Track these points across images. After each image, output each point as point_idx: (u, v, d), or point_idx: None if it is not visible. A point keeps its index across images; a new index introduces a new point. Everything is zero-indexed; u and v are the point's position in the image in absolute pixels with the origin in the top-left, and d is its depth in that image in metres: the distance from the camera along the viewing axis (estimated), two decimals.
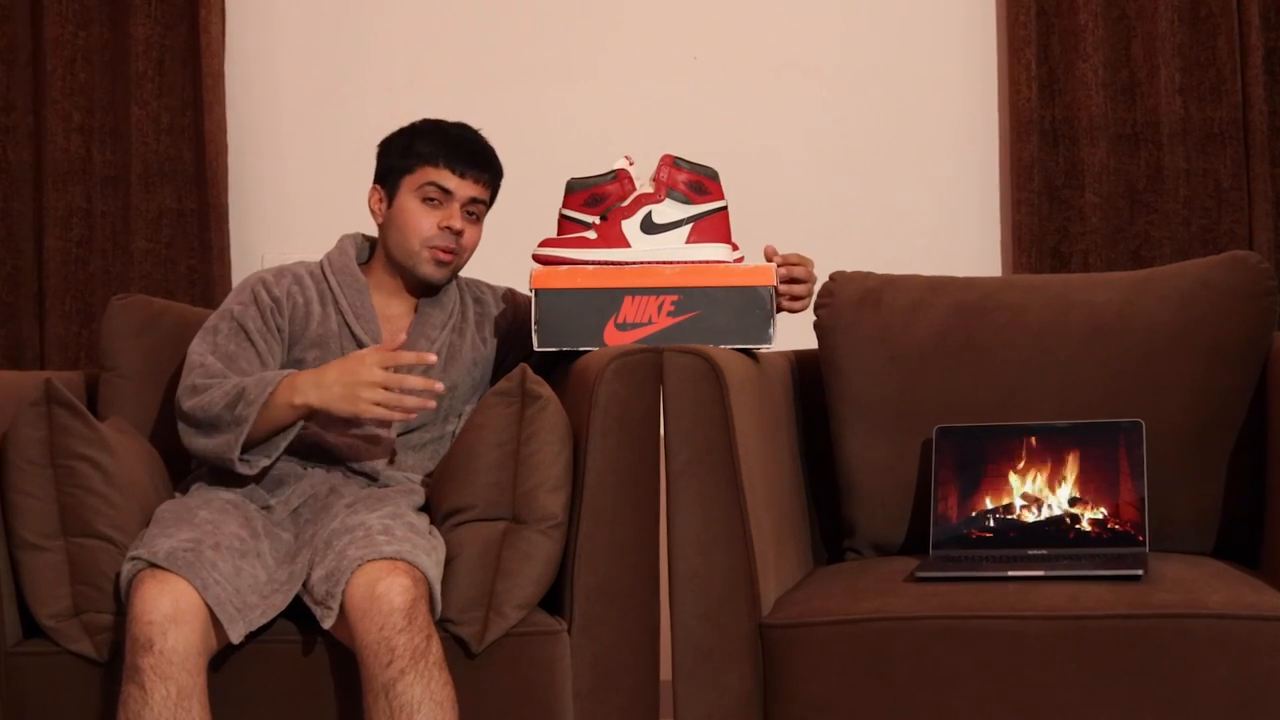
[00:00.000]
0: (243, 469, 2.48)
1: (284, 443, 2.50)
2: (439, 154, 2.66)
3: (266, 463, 2.50)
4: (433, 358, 2.42)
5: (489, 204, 2.72)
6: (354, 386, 2.43)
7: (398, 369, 2.44)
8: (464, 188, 2.66)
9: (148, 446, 2.66)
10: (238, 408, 2.45)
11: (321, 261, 2.73)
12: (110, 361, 2.85)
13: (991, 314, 2.78)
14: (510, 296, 2.81)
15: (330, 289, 2.68)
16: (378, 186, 2.71)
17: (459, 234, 2.66)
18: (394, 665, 2.21)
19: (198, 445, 2.51)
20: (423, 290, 2.72)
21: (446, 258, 2.66)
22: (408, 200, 2.67)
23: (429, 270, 2.67)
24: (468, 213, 2.68)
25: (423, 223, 2.65)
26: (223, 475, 2.55)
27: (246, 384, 2.48)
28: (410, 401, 2.42)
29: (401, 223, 2.67)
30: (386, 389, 2.42)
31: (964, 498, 2.61)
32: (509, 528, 2.38)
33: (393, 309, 2.71)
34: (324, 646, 2.34)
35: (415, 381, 2.42)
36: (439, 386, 2.42)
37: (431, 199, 2.65)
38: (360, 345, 2.63)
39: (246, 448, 2.47)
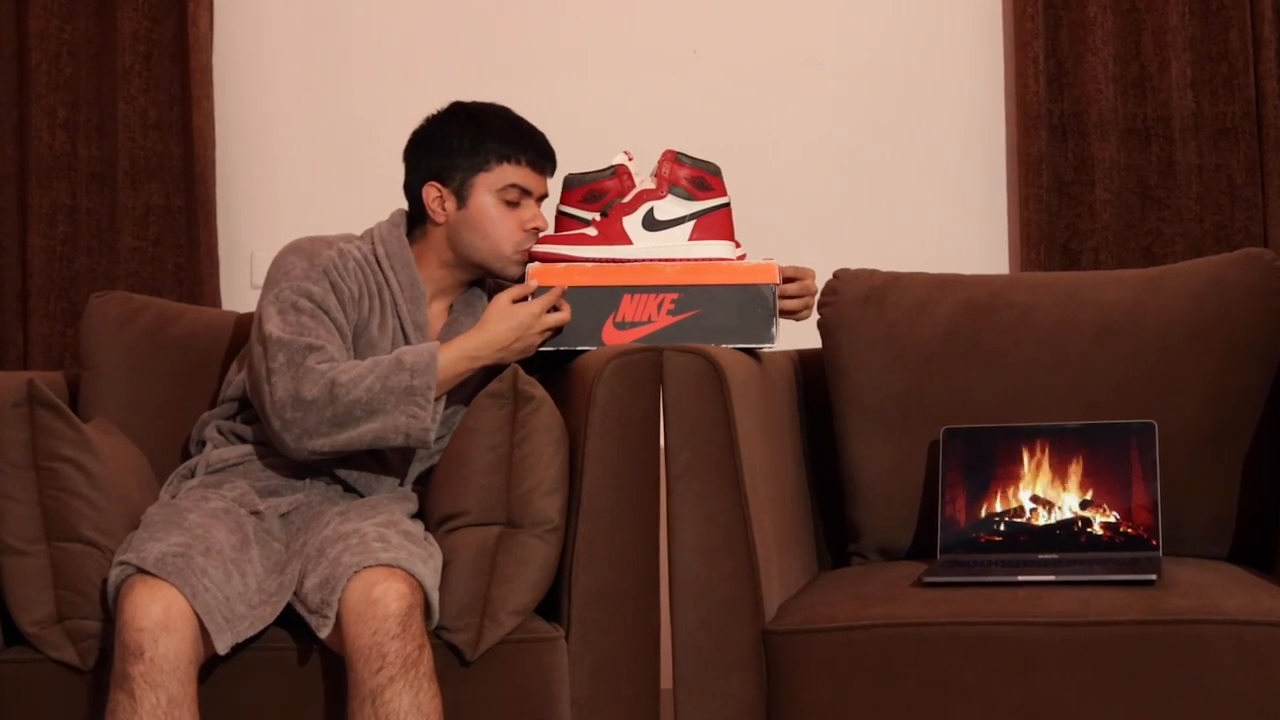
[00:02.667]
0: (430, 438, 2.47)
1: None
2: (520, 153, 2.61)
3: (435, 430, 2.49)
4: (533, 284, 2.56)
5: None
6: (528, 333, 2.54)
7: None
8: (541, 185, 2.65)
9: (133, 447, 2.65)
10: (397, 378, 2.43)
11: (375, 250, 2.63)
12: (90, 360, 2.84)
13: (1000, 312, 2.77)
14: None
15: (389, 287, 2.60)
16: (436, 184, 2.62)
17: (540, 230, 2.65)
18: (384, 672, 2.19)
19: (341, 438, 2.43)
20: (462, 290, 2.69)
21: (529, 257, 2.64)
22: (486, 200, 2.60)
23: (516, 271, 2.63)
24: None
25: (509, 225, 2.61)
26: (212, 477, 2.53)
27: (399, 354, 2.47)
28: (562, 314, 2.56)
29: (485, 227, 2.61)
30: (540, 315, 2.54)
31: (972, 501, 2.60)
32: (504, 532, 2.37)
33: (432, 309, 2.67)
34: (318, 655, 2.33)
35: (546, 301, 2.56)
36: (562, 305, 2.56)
37: (512, 201, 2.61)
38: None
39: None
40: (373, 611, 2.21)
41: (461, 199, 2.61)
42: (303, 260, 2.55)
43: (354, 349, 2.57)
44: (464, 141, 2.61)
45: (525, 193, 2.61)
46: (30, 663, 2.34)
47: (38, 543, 2.33)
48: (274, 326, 2.48)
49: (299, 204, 3.57)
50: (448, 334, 2.63)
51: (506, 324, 2.54)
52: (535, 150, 2.63)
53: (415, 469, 2.62)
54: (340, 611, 2.24)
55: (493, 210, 2.60)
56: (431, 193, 2.62)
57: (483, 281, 2.71)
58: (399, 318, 2.60)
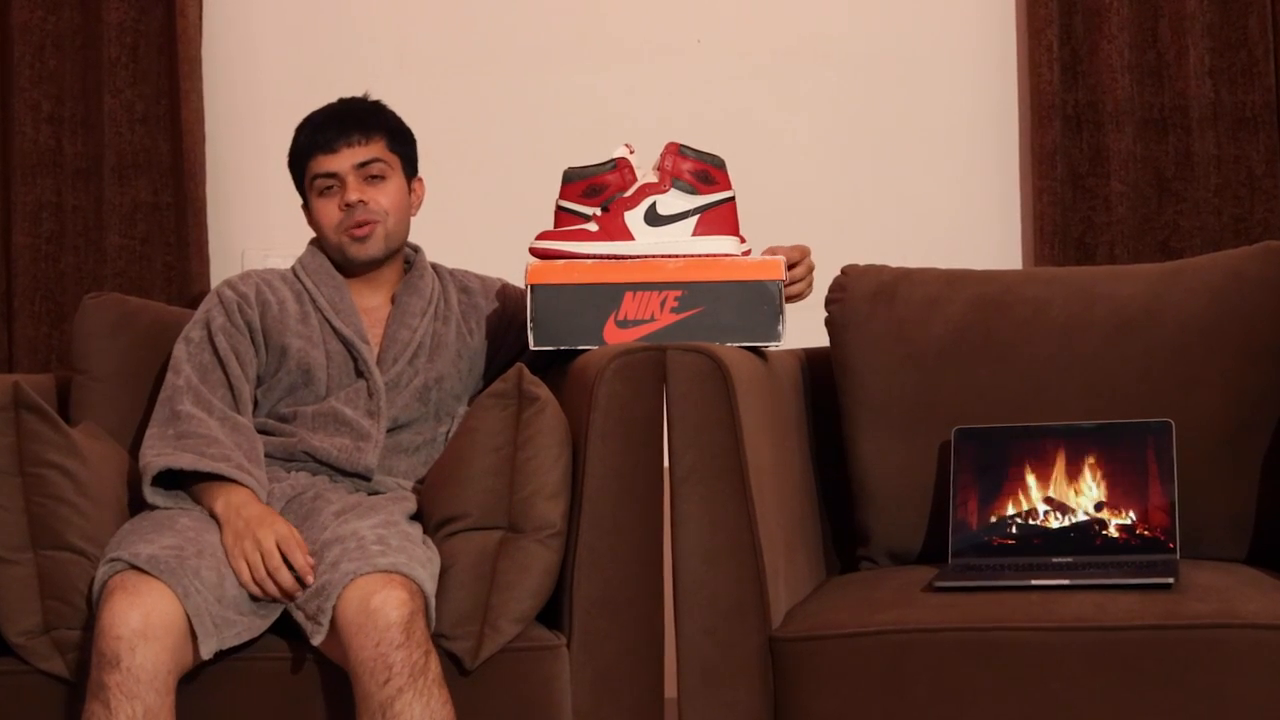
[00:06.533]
0: (148, 494, 2.46)
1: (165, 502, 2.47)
2: (308, 144, 2.72)
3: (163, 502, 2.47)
4: (309, 580, 2.32)
5: (397, 157, 2.74)
6: (245, 537, 2.35)
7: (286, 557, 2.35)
8: (342, 159, 2.70)
9: (121, 453, 2.66)
10: (151, 451, 2.48)
11: (294, 266, 2.77)
12: (82, 363, 2.85)
13: (1012, 309, 2.77)
14: (503, 292, 2.80)
15: (306, 289, 2.71)
16: (302, 200, 2.79)
17: (363, 204, 2.69)
18: (391, 683, 2.20)
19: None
20: (395, 276, 2.77)
21: (362, 231, 2.69)
22: (312, 200, 2.74)
23: (355, 250, 2.70)
24: (367, 178, 2.70)
25: (327, 214, 2.71)
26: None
27: (156, 462, 2.46)
28: (269, 587, 2.32)
29: (316, 223, 2.74)
30: (263, 560, 2.33)
31: (984, 503, 2.61)
32: (505, 537, 2.38)
33: (371, 301, 2.74)
34: (313, 664, 2.34)
35: (286, 578, 2.32)
36: (309, 580, 2.32)
37: (326, 189, 2.71)
38: (345, 341, 2.64)
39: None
40: (373, 622, 2.22)
41: (307, 206, 2.76)
42: (207, 300, 2.71)
43: (285, 336, 2.64)
44: (290, 158, 2.77)
45: (331, 175, 2.70)
46: (17, 674, 2.34)
47: (24, 551, 2.34)
48: (173, 354, 2.64)
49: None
50: (398, 320, 2.70)
51: (259, 518, 2.38)
52: (320, 135, 2.72)
53: (407, 462, 2.63)
54: (338, 621, 2.25)
55: (315, 205, 2.73)
56: (305, 212, 2.77)
57: (413, 261, 2.78)
58: (318, 309, 2.69)
